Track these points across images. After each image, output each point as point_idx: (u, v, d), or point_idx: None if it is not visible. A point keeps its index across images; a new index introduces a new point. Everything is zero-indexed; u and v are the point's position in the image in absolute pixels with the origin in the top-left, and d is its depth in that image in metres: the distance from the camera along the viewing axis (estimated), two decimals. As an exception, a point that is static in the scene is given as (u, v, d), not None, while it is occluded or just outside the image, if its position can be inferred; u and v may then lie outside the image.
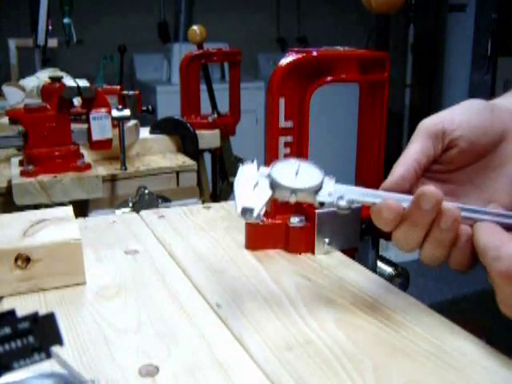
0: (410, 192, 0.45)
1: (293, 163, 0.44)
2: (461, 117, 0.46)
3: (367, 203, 0.43)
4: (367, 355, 0.40)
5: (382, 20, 0.75)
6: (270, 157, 0.59)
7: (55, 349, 0.27)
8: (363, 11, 0.68)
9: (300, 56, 0.56)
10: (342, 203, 0.43)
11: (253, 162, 0.45)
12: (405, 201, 0.43)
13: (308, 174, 0.43)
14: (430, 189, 0.41)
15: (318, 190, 0.43)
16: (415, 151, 0.46)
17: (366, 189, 0.44)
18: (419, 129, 0.46)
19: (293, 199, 0.43)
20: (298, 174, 0.43)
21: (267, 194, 0.42)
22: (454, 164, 0.47)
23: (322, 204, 0.43)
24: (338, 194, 0.43)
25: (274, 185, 0.43)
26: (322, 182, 0.43)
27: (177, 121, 1.41)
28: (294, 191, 0.43)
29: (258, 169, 0.45)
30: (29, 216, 0.57)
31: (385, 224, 0.43)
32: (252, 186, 0.43)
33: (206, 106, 1.56)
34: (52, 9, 1.94)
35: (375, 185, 0.63)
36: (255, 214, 0.41)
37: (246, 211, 0.41)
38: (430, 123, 0.46)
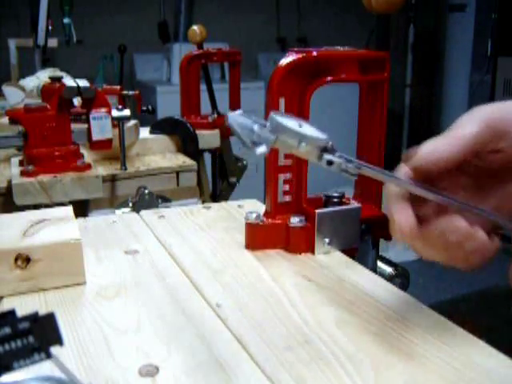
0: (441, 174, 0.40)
1: (293, 119, 0.38)
2: None
3: (376, 177, 0.39)
4: (367, 355, 0.40)
5: (382, 20, 0.75)
6: (270, 157, 0.59)
7: (54, 352, 0.27)
8: (363, 11, 0.68)
9: (300, 56, 0.56)
10: (351, 166, 0.38)
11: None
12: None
13: (312, 130, 0.38)
14: (457, 222, 0.38)
15: (324, 147, 0.37)
16: (471, 134, 0.38)
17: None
18: (478, 114, 0.39)
19: (300, 149, 0.37)
20: (301, 127, 0.37)
21: (270, 136, 0.37)
22: (490, 168, 0.40)
23: (330, 163, 0.37)
24: (345, 157, 0.38)
25: (279, 128, 0.36)
26: (328, 141, 0.38)
27: (177, 121, 1.41)
28: (302, 138, 0.36)
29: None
30: (29, 216, 0.57)
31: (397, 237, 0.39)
32: (252, 127, 0.37)
33: (206, 106, 1.56)
34: (52, 9, 1.94)
35: (375, 184, 0.63)
36: (267, 149, 0.36)
37: (257, 144, 0.36)
38: (496, 117, 0.39)
